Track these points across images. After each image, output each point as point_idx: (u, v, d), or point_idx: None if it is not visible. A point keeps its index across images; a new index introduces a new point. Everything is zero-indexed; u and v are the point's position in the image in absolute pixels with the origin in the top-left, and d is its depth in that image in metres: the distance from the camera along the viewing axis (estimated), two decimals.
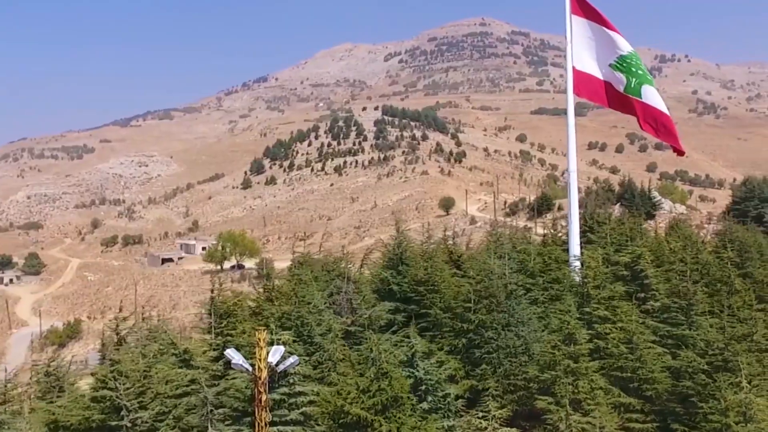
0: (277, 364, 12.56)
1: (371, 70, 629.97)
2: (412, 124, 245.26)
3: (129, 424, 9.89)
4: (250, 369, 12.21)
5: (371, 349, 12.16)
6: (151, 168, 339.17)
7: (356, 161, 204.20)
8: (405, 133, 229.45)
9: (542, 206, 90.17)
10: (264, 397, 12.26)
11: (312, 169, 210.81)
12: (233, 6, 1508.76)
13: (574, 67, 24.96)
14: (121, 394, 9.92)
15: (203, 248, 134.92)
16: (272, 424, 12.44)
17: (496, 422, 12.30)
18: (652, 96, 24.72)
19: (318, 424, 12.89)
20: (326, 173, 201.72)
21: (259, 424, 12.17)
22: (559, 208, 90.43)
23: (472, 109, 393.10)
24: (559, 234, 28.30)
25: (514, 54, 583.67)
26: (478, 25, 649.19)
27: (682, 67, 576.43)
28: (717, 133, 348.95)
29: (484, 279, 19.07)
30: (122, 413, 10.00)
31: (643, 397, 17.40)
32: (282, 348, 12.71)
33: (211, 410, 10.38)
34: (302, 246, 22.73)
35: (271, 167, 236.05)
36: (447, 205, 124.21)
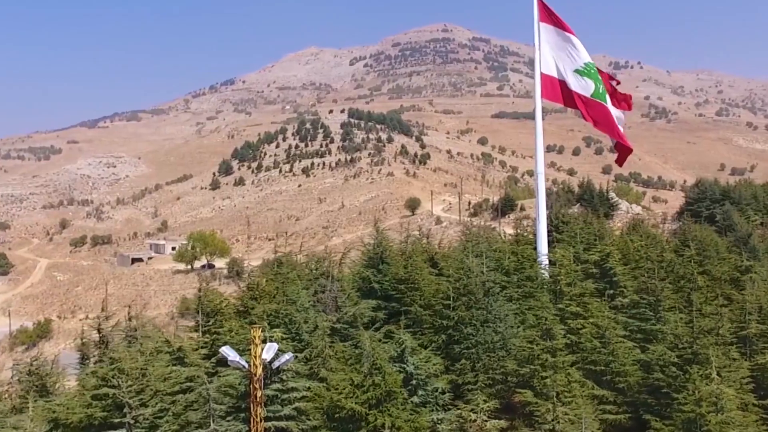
0: (271, 361, 12.54)
1: (337, 73, 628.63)
2: (378, 126, 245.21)
3: (131, 421, 9.79)
4: (247, 366, 12.18)
5: (365, 345, 12.19)
6: (119, 169, 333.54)
7: (323, 163, 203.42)
8: (371, 136, 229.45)
9: (506, 207, 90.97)
10: (259, 393, 12.23)
11: (280, 171, 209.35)
12: (201, 9, 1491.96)
13: (542, 72, 25.52)
14: (123, 392, 9.82)
15: (173, 248, 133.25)
16: (266, 419, 12.41)
17: (484, 415, 12.46)
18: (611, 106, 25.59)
19: (309, 419, 12.90)
20: (294, 174, 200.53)
21: (254, 419, 12.15)
22: (522, 209, 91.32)
23: (435, 112, 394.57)
24: (526, 233, 28.64)
25: (476, 59, 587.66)
26: (440, 31, 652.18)
27: (635, 73, 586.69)
28: (668, 137, 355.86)
29: (463, 277, 19.22)
30: (125, 410, 9.89)
31: (615, 389, 17.72)
32: (275, 345, 12.70)
33: (213, 406, 10.32)
34: (284, 245, 22.64)
35: (239, 168, 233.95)
36: (413, 205, 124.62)
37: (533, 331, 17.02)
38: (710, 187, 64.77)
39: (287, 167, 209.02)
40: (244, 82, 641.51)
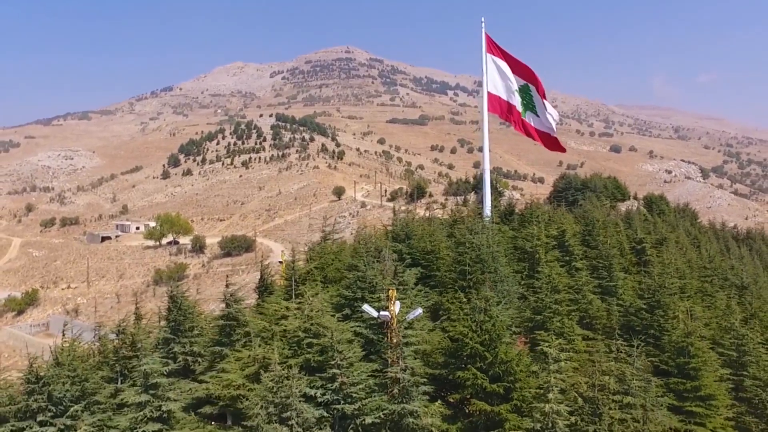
0: (401, 315, 13.07)
1: (259, 84, 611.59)
2: (301, 128, 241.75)
3: (341, 362, 10.18)
4: (390, 317, 12.69)
5: (477, 300, 12.96)
6: (76, 161, 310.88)
7: (259, 157, 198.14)
8: (296, 136, 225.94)
9: (418, 194, 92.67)
10: (395, 340, 12.78)
11: (223, 163, 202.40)
12: (145, 23, 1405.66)
13: (488, 92, 26.77)
14: (331, 339, 10.17)
15: (137, 227, 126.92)
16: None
17: (556, 350, 13.56)
18: (531, 119, 27.11)
19: (421, 360, 13.54)
20: (235, 167, 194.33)
21: (392, 360, 12.70)
22: (431, 195, 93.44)
23: (341, 117, 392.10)
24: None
25: (372, 76, 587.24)
26: (344, 52, 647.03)
27: None
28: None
29: (475, 248, 20.22)
30: (331, 354, 10.25)
31: (590, 329, 19.42)
32: (399, 303, 13.24)
33: (404, 349, 10.83)
34: (323, 228, 22.80)
35: (185, 161, 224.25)
36: (339, 192, 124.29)
37: (545, 288, 18.26)
38: (573, 179, 68.80)
39: (228, 161, 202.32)
40: (180, 89, 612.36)
